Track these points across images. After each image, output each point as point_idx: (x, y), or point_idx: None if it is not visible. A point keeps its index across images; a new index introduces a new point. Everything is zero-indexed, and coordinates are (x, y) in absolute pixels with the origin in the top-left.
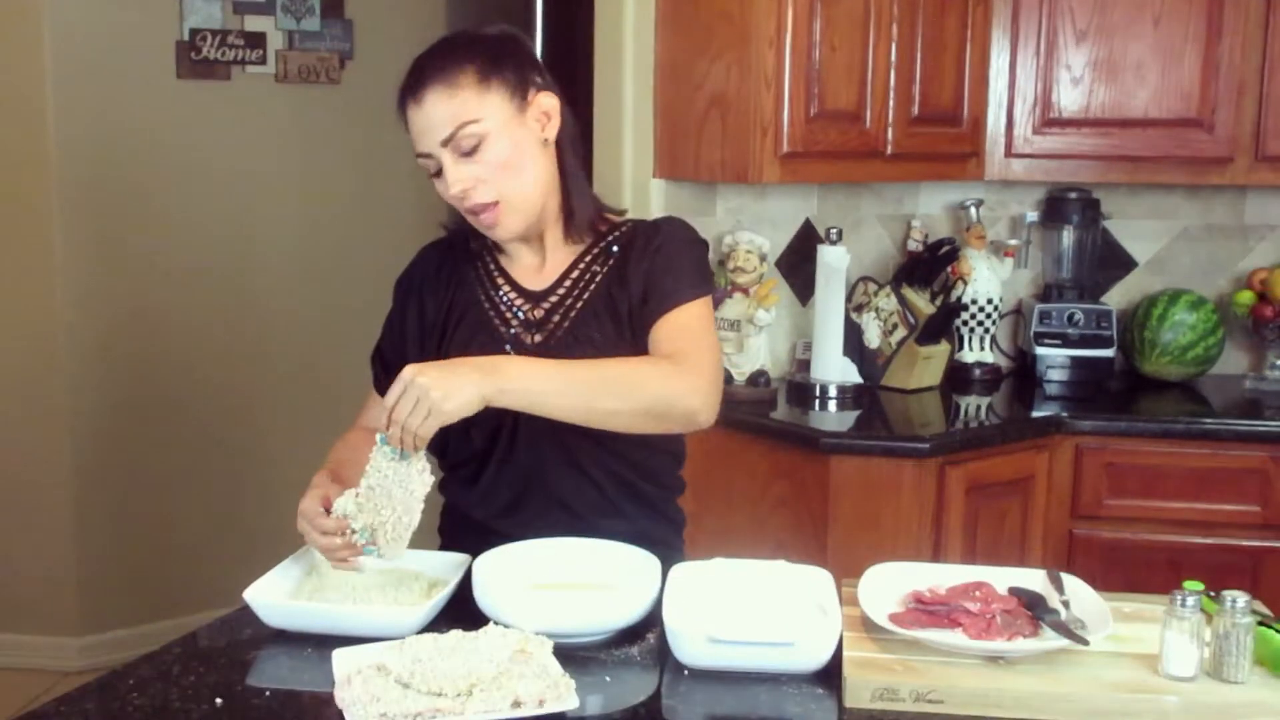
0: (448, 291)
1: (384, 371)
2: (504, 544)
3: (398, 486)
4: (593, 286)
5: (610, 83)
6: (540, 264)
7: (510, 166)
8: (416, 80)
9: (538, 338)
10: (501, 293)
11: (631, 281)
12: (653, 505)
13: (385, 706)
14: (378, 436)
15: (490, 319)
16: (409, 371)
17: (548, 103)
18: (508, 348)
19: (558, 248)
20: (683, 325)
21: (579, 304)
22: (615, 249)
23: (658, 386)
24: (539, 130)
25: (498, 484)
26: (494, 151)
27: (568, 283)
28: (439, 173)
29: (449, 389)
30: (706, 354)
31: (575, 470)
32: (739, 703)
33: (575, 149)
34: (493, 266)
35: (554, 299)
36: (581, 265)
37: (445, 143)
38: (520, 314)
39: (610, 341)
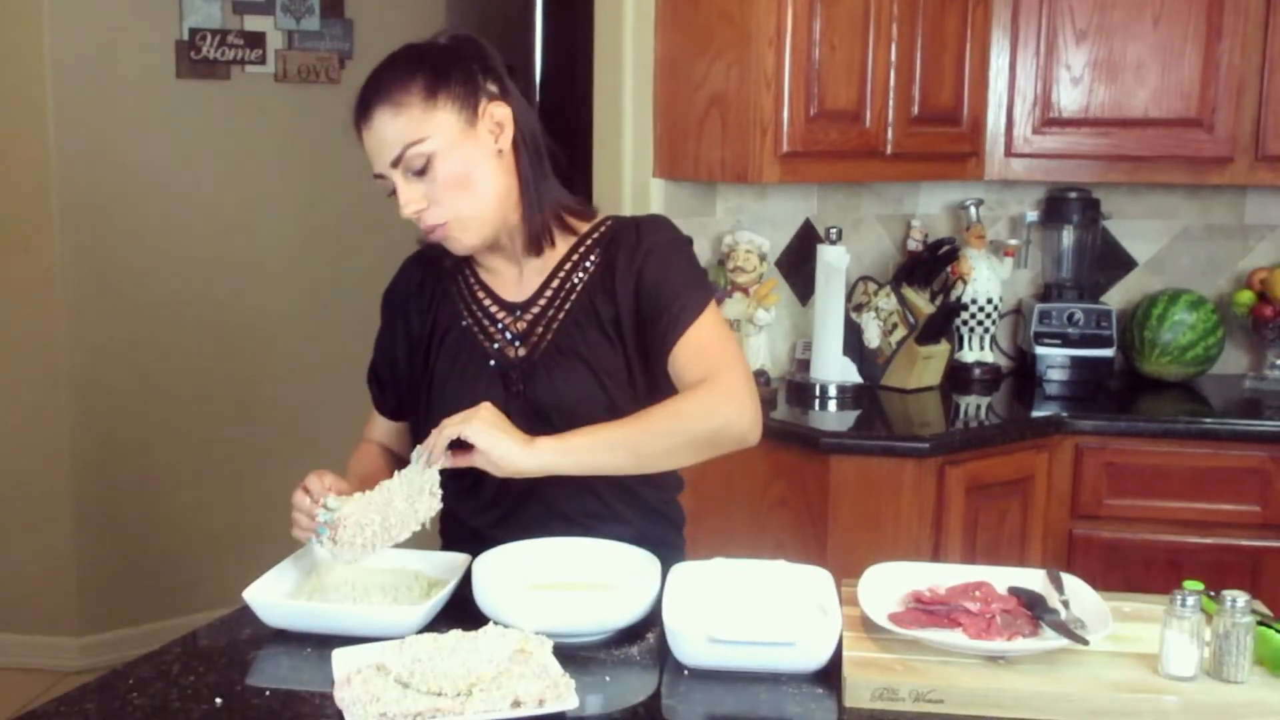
0: (431, 307)
1: (379, 389)
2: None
3: (403, 499)
4: (574, 295)
5: (610, 83)
6: (518, 274)
7: (461, 184)
8: (364, 100)
9: (522, 351)
10: (483, 307)
11: (619, 291)
12: (652, 508)
13: (385, 706)
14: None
15: (474, 335)
16: (488, 406)
17: (499, 113)
18: (492, 363)
19: (531, 256)
20: (702, 344)
21: (561, 314)
22: (595, 253)
23: (704, 420)
24: (492, 142)
25: (497, 497)
26: (444, 169)
27: (549, 292)
28: (394, 192)
29: (497, 428)
30: (737, 368)
31: (575, 482)
32: (739, 703)
33: (535, 152)
34: (472, 280)
35: (535, 310)
36: (562, 273)
37: (394, 163)
38: (503, 327)
39: (596, 353)
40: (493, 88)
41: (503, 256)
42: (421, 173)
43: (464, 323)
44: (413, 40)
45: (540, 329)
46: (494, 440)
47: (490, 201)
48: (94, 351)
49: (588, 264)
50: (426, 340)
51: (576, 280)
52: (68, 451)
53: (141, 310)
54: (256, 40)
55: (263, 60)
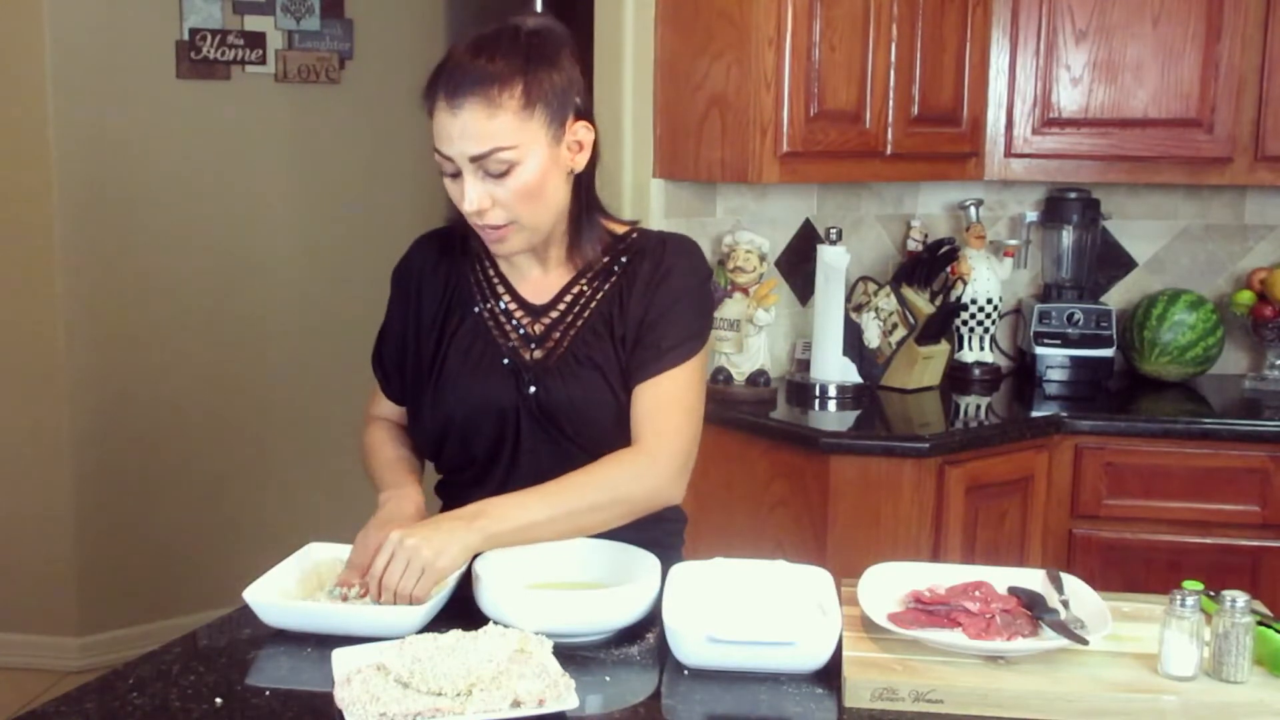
0: (445, 291)
1: (384, 376)
2: None
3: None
4: (594, 304)
5: (610, 82)
6: (543, 274)
7: (532, 195)
8: (456, 82)
9: (538, 353)
10: (502, 303)
11: (630, 311)
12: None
13: (385, 706)
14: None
15: (489, 329)
16: (396, 534)
17: (584, 135)
18: (506, 361)
19: (560, 263)
20: (667, 399)
21: (579, 321)
22: (619, 266)
23: (635, 491)
24: (569, 160)
25: (497, 494)
26: (520, 178)
27: (569, 298)
28: (455, 175)
29: (439, 546)
30: (684, 433)
31: None
32: (739, 703)
33: (593, 168)
34: (493, 273)
35: (555, 314)
36: (584, 280)
37: (474, 160)
38: (521, 328)
39: (610, 362)
40: (579, 100)
41: (534, 257)
42: (497, 176)
43: (479, 314)
44: (510, 19)
45: (558, 334)
46: (450, 559)
47: (552, 214)
48: (94, 351)
49: (611, 274)
50: (440, 325)
51: (597, 289)
52: (68, 451)
53: (141, 310)
54: (256, 40)
55: (263, 60)
